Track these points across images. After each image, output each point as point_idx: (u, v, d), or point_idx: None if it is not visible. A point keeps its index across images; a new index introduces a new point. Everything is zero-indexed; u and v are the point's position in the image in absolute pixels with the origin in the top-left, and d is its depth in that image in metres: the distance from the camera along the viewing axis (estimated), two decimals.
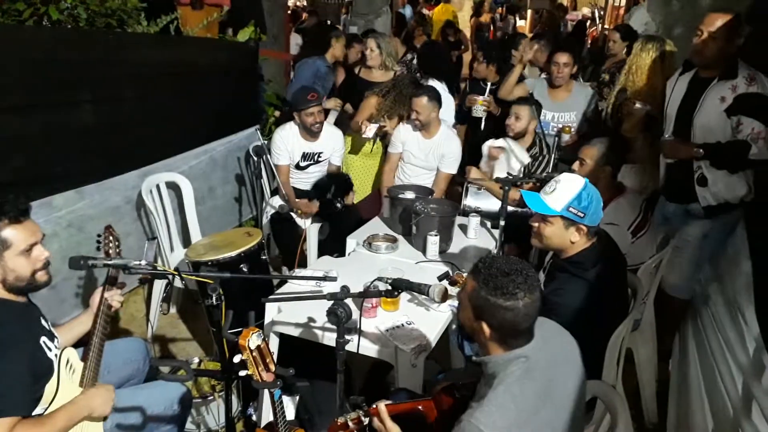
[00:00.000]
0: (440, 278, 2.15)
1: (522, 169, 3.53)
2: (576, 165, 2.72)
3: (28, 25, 2.96)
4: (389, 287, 1.96)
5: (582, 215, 1.93)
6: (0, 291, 1.77)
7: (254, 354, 1.45)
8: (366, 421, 1.65)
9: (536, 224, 2.03)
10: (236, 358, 1.46)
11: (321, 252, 3.60)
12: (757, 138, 2.56)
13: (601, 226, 2.09)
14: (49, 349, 1.85)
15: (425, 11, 10.54)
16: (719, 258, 2.81)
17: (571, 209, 1.92)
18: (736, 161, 2.65)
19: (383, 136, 4.07)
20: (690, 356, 2.64)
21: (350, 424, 1.66)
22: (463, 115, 4.39)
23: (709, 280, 2.84)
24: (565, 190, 1.95)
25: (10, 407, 1.62)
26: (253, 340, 1.44)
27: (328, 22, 6.99)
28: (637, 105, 3.10)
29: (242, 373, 1.45)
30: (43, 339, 1.85)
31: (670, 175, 2.96)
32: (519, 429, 1.36)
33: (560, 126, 3.81)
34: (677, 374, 2.80)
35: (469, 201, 3.34)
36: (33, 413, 1.76)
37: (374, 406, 1.65)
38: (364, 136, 3.96)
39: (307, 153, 3.81)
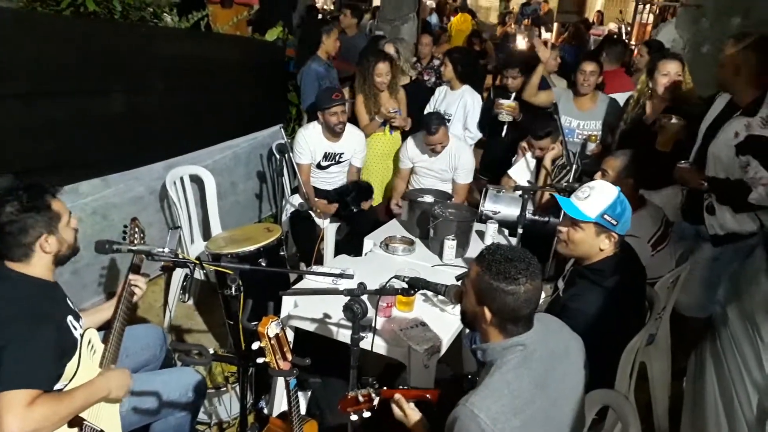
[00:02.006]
0: (458, 278, 2.16)
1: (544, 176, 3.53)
2: (598, 176, 2.71)
3: (65, 15, 3.04)
4: (406, 285, 1.98)
5: (615, 223, 1.92)
6: (38, 269, 1.84)
7: (272, 342, 1.47)
8: (376, 399, 1.68)
9: (565, 229, 2.01)
10: (254, 345, 1.49)
11: (338, 252, 3.62)
12: (757, 183, 2.48)
13: None
14: (75, 329, 1.90)
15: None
16: (739, 278, 2.78)
17: (605, 216, 1.92)
18: (736, 202, 2.61)
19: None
20: (707, 375, 2.61)
21: (360, 398, 1.70)
22: (483, 125, 4.36)
23: (728, 299, 2.82)
24: (600, 197, 1.94)
25: (33, 380, 1.66)
26: (272, 328, 1.47)
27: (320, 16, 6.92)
28: (674, 120, 3.06)
29: (259, 360, 1.48)
30: (69, 318, 1.89)
31: (687, 195, 2.95)
32: (513, 415, 1.39)
33: (585, 134, 3.80)
34: (692, 393, 2.77)
35: (488, 205, 3.34)
36: (53, 389, 1.80)
37: (391, 393, 1.69)
38: (396, 123, 4.01)
39: (329, 153, 3.85)
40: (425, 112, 4.51)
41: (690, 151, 2.93)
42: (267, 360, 1.48)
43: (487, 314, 1.49)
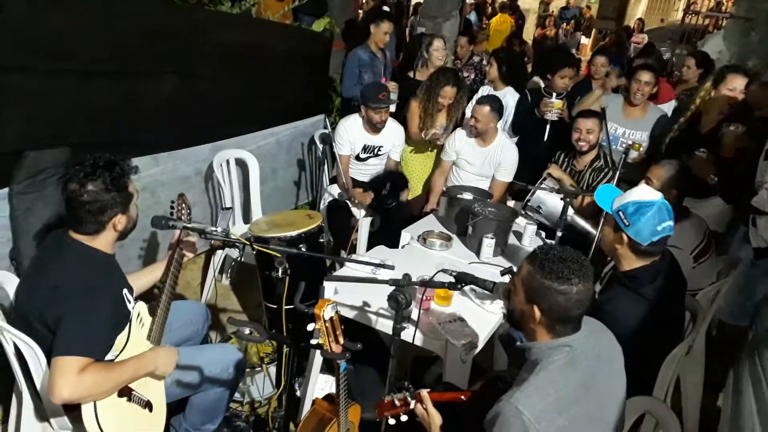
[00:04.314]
0: (503, 273, 2.18)
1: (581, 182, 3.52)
2: (642, 184, 2.71)
3: None
4: (452, 279, 2.00)
5: (627, 224, 1.94)
6: (102, 243, 1.90)
7: (327, 324, 1.51)
8: (412, 403, 1.72)
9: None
10: (309, 327, 1.53)
11: (370, 244, 3.66)
12: (762, 186, 2.57)
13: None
14: (129, 302, 1.97)
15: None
16: None
17: (619, 213, 1.96)
18: (740, 201, 2.66)
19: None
20: (744, 393, 2.58)
21: (397, 402, 1.73)
22: (516, 128, 4.32)
23: None
24: (629, 195, 1.99)
25: (88, 348, 1.72)
26: (328, 311, 1.51)
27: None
28: (731, 128, 3.05)
29: (313, 341, 1.52)
30: (125, 291, 1.96)
31: None
32: (558, 414, 1.40)
33: (630, 143, 3.77)
34: (730, 409, 2.74)
35: (540, 193, 3.24)
36: (105, 359, 1.87)
37: (418, 392, 1.72)
38: (440, 142, 3.94)
39: (368, 146, 3.88)
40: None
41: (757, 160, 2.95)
42: (320, 342, 1.51)
43: (537, 313, 1.50)
